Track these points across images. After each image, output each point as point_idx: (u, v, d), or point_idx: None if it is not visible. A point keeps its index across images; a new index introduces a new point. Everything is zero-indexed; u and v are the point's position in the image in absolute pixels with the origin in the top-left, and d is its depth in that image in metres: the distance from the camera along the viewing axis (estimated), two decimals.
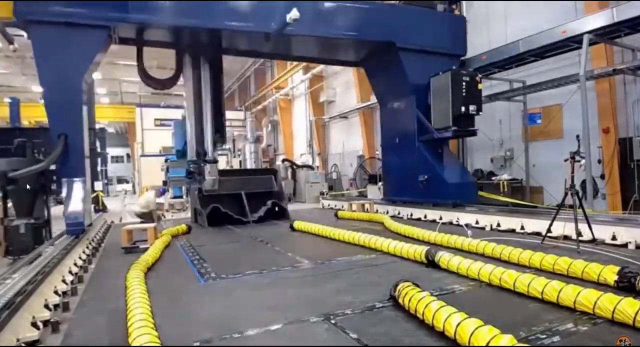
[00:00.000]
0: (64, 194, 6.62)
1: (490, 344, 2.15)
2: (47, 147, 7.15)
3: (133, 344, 2.33)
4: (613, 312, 2.57)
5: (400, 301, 2.97)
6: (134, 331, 2.47)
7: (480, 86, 8.50)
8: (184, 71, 9.06)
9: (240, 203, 9.19)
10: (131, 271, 4.06)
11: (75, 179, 6.67)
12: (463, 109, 8.18)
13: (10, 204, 6.84)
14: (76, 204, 6.50)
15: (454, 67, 8.63)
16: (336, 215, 9.52)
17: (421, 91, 9.07)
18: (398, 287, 3.03)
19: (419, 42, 9.15)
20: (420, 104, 9.13)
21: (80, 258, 5.19)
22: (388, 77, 9.95)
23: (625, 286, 3.17)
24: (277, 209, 9.62)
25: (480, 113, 8.52)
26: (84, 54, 6.91)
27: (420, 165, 9.16)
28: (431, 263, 4.28)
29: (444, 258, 4.12)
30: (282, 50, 9.77)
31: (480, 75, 8.62)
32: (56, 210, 8.27)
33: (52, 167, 6.68)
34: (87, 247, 5.99)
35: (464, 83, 8.23)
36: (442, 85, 8.50)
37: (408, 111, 9.47)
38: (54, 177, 6.95)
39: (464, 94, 8.22)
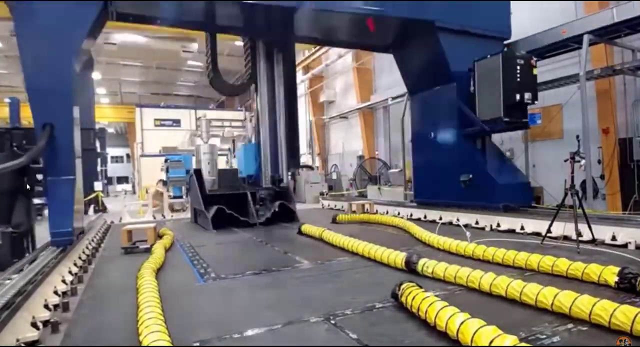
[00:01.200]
0: (48, 196, 5.59)
1: (492, 345, 2.15)
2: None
3: (143, 343, 2.33)
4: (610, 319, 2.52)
5: (402, 299, 2.96)
6: (144, 329, 2.47)
7: (535, 71, 7.41)
8: (258, 68, 7.96)
9: (246, 204, 8.56)
10: (142, 270, 4.05)
11: (62, 178, 5.59)
12: (517, 96, 7.13)
13: None
14: (63, 208, 5.46)
15: (505, 49, 7.62)
16: (334, 219, 8.51)
17: (462, 78, 7.99)
18: (402, 286, 3.03)
19: (461, 22, 7.97)
20: (461, 92, 8.03)
21: (80, 258, 5.18)
22: (423, 62, 8.82)
23: (626, 287, 3.17)
24: (284, 210, 8.87)
25: (536, 102, 7.49)
26: (74, 30, 5.78)
27: (462, 163, 8.09)
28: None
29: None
30: (307, 31, 8.52)
31: (535, 59, 7.52)
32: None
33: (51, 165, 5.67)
34: (87, 248, 5.97)
35: (518, 67, 7.15)
36: (490, 70, 7.43)
37: (447, 101, 8.33)
38: (39, 176, 5.92)
39: (518, 79, 7.15)
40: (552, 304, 2.82)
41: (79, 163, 6.13)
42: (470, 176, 7.81)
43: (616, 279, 3.25)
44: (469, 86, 7.89)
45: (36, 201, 8.57)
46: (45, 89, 5.58)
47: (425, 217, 8.36)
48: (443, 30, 7.90)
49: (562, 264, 3.73)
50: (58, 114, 5.61)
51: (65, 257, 4.72)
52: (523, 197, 7.83)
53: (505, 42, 8.64)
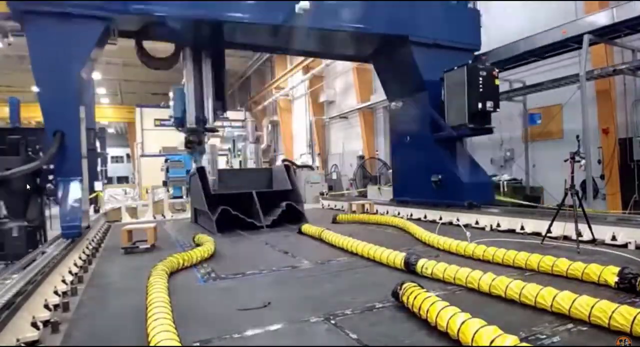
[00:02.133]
0: (59, 194, 6.22)
1: (493, 345, 2.15)
2: (43, 146, 6.82)
3: (152, 344, 2.33)
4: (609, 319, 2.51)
5: (404, 298, 2.97)
6: (153, 329, 2.49)
7: (497, 82, 8.07)
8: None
9: (251, 205, 8.09)
10: (154, 270, 4.07)
11: (72, 178, 6.29)
12: (480, 105, 7.75)
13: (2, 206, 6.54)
14: (72, 205, 6.12)
15: (469, 62, 8.19)
16: (335, 219, 8.59)
17: (434, 87, 8.55)
18: (404, 286, 3.03)
19: (433, 36, 8.64)
20: (433, 100, 8.60)
21: (80, 258, 5.18)
22: (399, 72, 9.48)
23: (626, 287, 3.17)
24: (292, 212, 8.41)
25: (498, 110, 8.08)
26: (81, 47, 6.49)
27: (433, 165, 8.71)
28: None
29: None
30: (286, 44, 9.08)
31: (497, 70, 8.14)
32: (55, 211, 8.19)
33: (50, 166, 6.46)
34: (87, 247, 5.97)
35: (480, 78, 7.79)
36: (457, 80, 8.04)
37: (420, 108, 8.96)
38: (50, 177, 6.60)
39: (480, 89, 7.78)
40: (551, 305, 2.82)
41: (84, 163, 6.66)
42: (440, 176, 8.45)
43: (616, 279, 3.25)
44: (440, 95, 8.47)
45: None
46: (56, 99, 6.24)
47: (425, 217, 8.42)
48: (416, 43, 8.55)
49: (562, 264, 3.72)
50: (67, 121, 6.29)
51: (66, 257, 4.72)
52: (486, 195, 8.49)
53: (479, 52, 9.46)
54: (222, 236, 7.15)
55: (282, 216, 8.11)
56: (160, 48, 9.21)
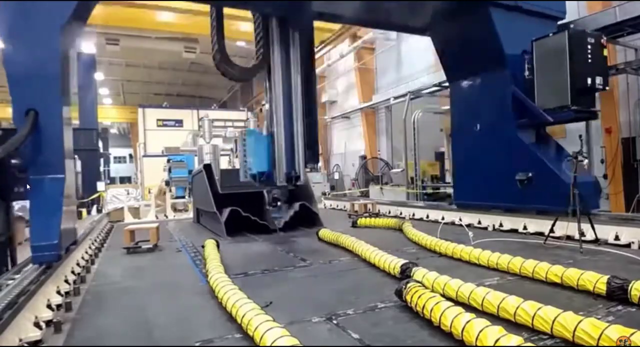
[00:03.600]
0: (30, 199, 4.54)
1: (497, 345, 2.14)
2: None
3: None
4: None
5: (407, 297, 2.96)
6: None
7: (605, 52, 6.48)
8: (272, 49, 6.78)
9: (259, 205, 7.19)
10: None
11: (48, 176, 4.55)
12: (589, 81, 6.18)
13: None
14: (47, 215, 4.36)
15: (571, 26, 6.58)
16: (354, 224, 7.73)
17: (516, 62, 7.00)
18: (409, 285, 3.02)
19: None
20: (514, 78, 7.03)
21: (82, 258, 5.19)
22: (469, 44, 7.72)
23: (619, 296, 3.03)
24: (305, 213, 7.62)
25: (607, 88, 6.60)
26: (61, 7, 4.84)
27: (517, 160, 6.92)
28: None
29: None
30: (332, 8, 7.51)
31: (605, 38, 6.58)
32: None
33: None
34: (90, 247, 5.98)
35: (588, 46, 6.19)
36: (553, 51, 6.45)
37: (499, 88, 7.26)
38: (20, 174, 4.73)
39: (588, 60, 6.20)
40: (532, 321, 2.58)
41: (71, 164, 5.28)
42: (530, 174, 6.67)
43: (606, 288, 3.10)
44: (522, 71, 6.97)
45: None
46: (29, 71, 4.65)
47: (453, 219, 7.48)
48: (495, 5, 6.95)
49: (558, 271, 3.53)
50: (43, 100, 4.66)
51: (67, 257, 4.73)
52: (593, 199, 6.60)
53: (563, 21, 7.69)
54: (232, 240, 6.64)
55: (295, 218, 7.34)
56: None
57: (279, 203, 6.59)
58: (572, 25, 6.69)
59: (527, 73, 6.91)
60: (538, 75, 6.73)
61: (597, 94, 9.73)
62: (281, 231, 7.03)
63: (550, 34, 6.55)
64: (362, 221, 7.80)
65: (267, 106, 6.94)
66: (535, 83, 6.78)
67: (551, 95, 6.55)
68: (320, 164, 23.48)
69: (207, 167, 7.95)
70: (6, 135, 4.52)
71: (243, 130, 7.55)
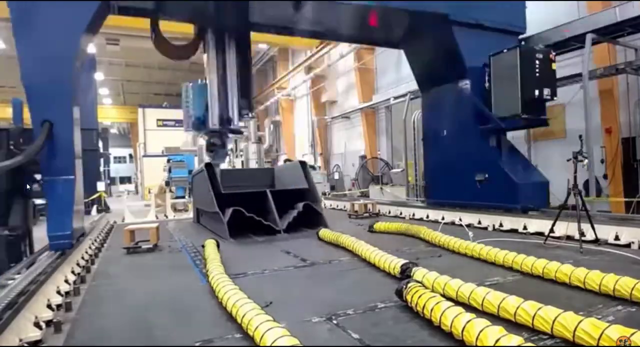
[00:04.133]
0: (46, 197, 5.37)
1: (497, 345, 2.14)
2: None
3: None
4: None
5: (408, 297, 2.96)
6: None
7: (554, 66, 7.12)
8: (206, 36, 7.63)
9: (261, 206, 7.05)
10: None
11: (61, 177, 5.37)
12: (537, 92, 6.81)
13: None
14: (62, 210, 5.23)
15: (522, 43, 7.27)
16: (371, 228, 6.97)
17: (477, 74, 7.66)
18: (410, 285, 3.02)
19: (475, 15, 7.66)
20: (475, 88, 7.72)
21: (82, 258, 5.19)
22: (436, 58, 8.46)
23: None
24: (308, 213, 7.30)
25: (555, 98, 7.20)
26: (74, 25, 5.56)
27: (477, 162, 7.75)
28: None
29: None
30: (311, 26, 8.29)
31: (554, 53, 7.23)
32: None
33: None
34: (90, 247, 5.98)
35: (536, 61, 6.84)
36: (507, 65, 7.12)
37: (462, 98, 7.97)
38: (39, 177, 5.68)
39: (536, 74, 6.84)
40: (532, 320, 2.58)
41: (79, 164, 5.95)
42: (486, 175, 7.49)
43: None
44: (483, 82, 7.61)
45: (39, 201, 8.40)
46: (44, 85, 5.39)
47: (442, 218, 7.61)
48: (457, 24, 7.58)
49: (567, 270, 3.51)
50: (57, 111, 5.42)
51: (68, 257, 4.73)
52: (541, 198, 7.31)
53: (519, 37, 8.39)
54: (235, 242, 6.40)
55: (298, 218, 7.11)
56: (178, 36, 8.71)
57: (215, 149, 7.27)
58: (523, 42, 7.49)
59: (487, 84, 7.55)
60: (494, 87, 7.43)
61: (595, 95, 9.76)
62: (285, 232, 6.81)
63: (505, 50, 7.19)
64: (379, 226, 6.92)
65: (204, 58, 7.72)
66: (492, 94, 7.46)
67: (505, 105, 7.23)
68: (319, 163, 23.51)
69: (209, 166, 7.79)
70: (25, 134, 5.78)
71: (186, 84, 8.33)
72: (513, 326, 2.60)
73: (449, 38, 7.70)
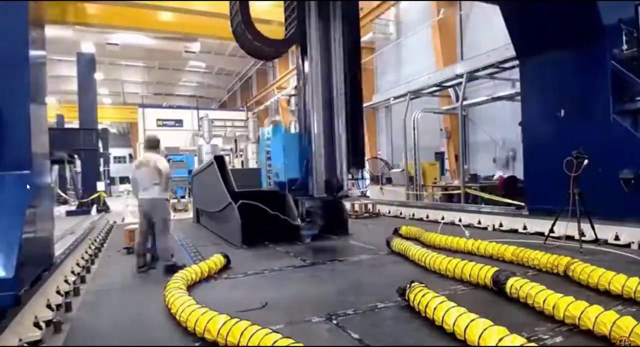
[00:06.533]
0: None
1: (499, 345, 2.14)
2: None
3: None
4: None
5: (410, 296, 2.97)
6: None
7: None
8: (307, 25, 5.44)
9: (280, 208, 5.95)
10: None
11: (11, 173, 3.56)
12: None
13: None
14: (2, 231, 3.12)
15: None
16: (396, 231, 6.04)
17: (613, 34, 5.68)
18: (412, 285, 3.02)
19: None
20: (609, 53, 5.71)
21: (82, 258, 5.19)
22: (552, 11, 6.18)
23: None
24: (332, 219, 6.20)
25: None
26: None
27: (617, 153, 5.52)
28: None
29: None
30: None
31: None
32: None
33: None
34: (90, 247, 5.98)
35: None
36: None
37: (592, 65, 5.83)
38: None
39: None
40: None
41: (47, 163, 4.74)
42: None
43: None
44: (620, 44, 5.72)
45: None
46: None
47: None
48: None
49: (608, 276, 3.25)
50: (7, 91, 3.86)
51: (68, 257, 4.72)
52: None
53: None
54: (249, 249, 5.56)
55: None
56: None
57: (314, 217, 5.42)
58: None
59: (625, 47, 5.60)
60: None
61: None
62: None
63: None
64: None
65: (297, 97, 5.61)
66: None
67: None
68: None
69: (219, 159, 6.74)
70: None
71: (261, 123, 6.58)
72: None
73: None
